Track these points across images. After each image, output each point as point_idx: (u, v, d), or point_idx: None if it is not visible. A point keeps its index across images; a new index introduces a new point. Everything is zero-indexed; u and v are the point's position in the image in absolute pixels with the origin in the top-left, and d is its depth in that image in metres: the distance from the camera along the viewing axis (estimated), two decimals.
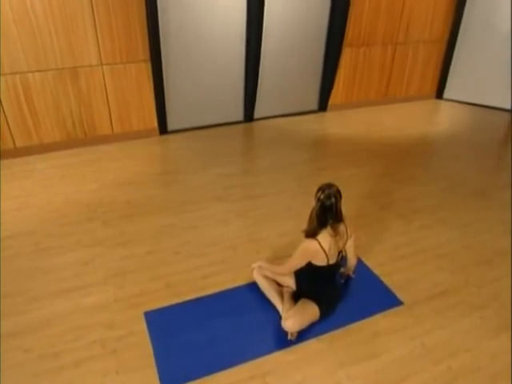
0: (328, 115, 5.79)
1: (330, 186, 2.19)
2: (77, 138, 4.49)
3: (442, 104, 6.39)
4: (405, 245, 3.09)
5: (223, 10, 4.59)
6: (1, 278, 2.71)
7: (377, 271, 2.81)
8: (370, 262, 2.89)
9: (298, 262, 2.31)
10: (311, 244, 2.20)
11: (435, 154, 4.88)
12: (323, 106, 5.77)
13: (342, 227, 2.29)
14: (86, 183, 3.89)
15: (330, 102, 5.74)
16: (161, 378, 2.08)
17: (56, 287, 2.66)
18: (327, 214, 2.17)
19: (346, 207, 3.48)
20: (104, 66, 4.24)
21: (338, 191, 2.19)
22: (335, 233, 2.22)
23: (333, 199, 2.14)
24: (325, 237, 2.21)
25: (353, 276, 2.67)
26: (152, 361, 2.17)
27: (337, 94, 5.72)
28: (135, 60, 4.34)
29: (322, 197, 2.16)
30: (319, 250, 2.19)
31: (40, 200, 3.60)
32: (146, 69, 4.43)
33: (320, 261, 2.24)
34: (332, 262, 2.27)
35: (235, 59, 4.95)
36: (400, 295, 2.60)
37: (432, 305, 2.53)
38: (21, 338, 2.30)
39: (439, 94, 6.43)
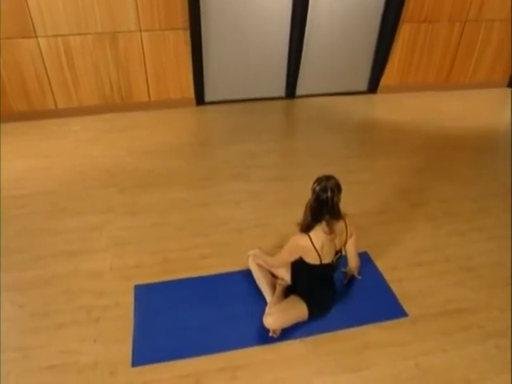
0: (378, 97, 5.32)
1: (328, 177, 1.96)
2: (114, 102, 4.56)
3: None
4: (427, 250, 2.77)
5: None
6: (14, 234, 2.86)
7: (387, 275, 2.55)
8: (382, 265, 2.63)
9: (287, 256, 2.14)
10: (301, 240, 2.01)
11: (493, 151, 4.27)
12: (373, 87, 5.31)
13: (340, 225, 2.06)
14: (114, 149, 3.95)
15: (382, 82, 5.25)
16: (133, 354, 2.08)
17: (61, 249, 2.74)
18: (322, 208, 1.96)
19: (371, 200, 3.29)
20: (143, 32, 4.20)
21: (337, 184, 1.96)
22: (330, 230, 2.00)
23: (329, 193, 1.92)
24: (318, 233, 2.00)
25: (358, 277, 2.43)
26: (130, 335, 2.17)
27: (390, 74, 5.20)
28: (174, 27, 4.24)
29: (317, 189, 1.95)
30: (310, 246, 2.00)
31: (67, 161, 3.72)
32: (184, 37, 4.32)
33: (312, 259, 2.05)
34: (326, 261, 2.07)
35: (279, 30, 4.65)
36: (406, 306, 2.33)
37: (440, 323, 2.24)
38: (19, 292, 2.42)
39: None
